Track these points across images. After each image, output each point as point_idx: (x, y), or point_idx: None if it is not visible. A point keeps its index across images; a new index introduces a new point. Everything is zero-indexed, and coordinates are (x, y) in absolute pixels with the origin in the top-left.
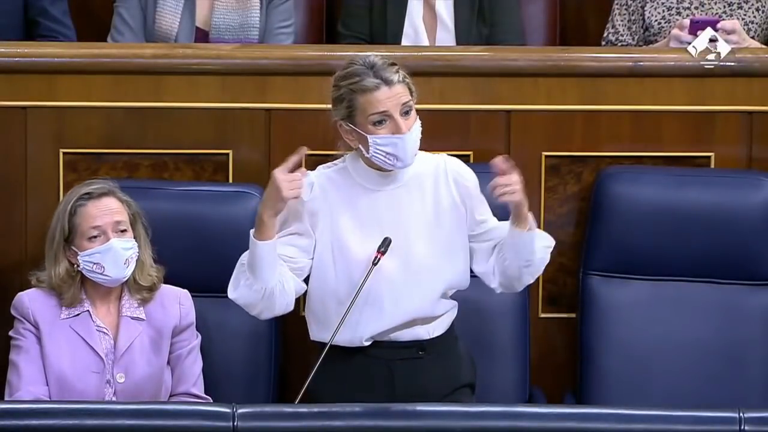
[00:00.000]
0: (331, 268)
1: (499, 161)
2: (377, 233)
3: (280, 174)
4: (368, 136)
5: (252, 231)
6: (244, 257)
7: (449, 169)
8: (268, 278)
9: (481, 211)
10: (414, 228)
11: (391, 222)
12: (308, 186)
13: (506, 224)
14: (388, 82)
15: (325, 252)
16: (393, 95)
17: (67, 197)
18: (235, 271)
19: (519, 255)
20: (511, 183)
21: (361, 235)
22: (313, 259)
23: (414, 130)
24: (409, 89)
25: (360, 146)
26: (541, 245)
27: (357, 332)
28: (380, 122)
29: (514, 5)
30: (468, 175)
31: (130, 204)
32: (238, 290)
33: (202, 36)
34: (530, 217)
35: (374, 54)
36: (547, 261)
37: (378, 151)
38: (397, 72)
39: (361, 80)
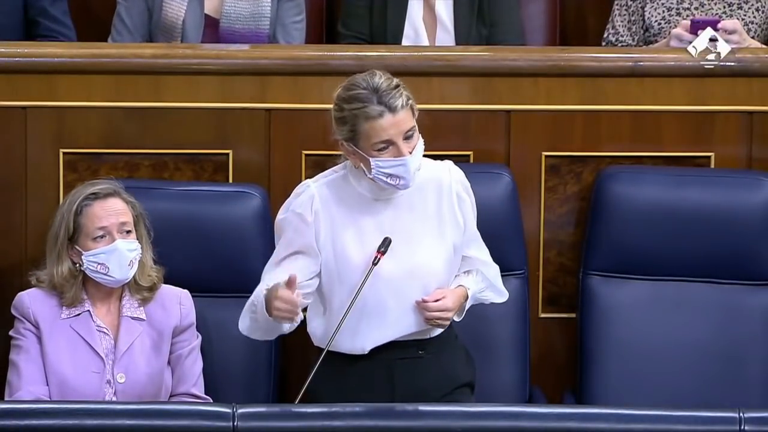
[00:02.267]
0: (335, 277)
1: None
2: (379, 240)
3: (283, 293)
4: (371, 159)
5: (265, 296)
6: (256, 301)
7: (454, 180)
8: (281, 331)
9: (470, 236)
10: (416, 235)
11: (392, 229)
12: (309, 200)
13: (476, 262)
14: (392, 110)
15: (327, 262)
16: (396, 122)
17: (72, 196)
18: (246, 312)
19: None
20: (444, 312)
21: (363, 242)
22: (320, 274)
23: (416, 152)
24: (412, 111)
25: (362, 165)
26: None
27: (356, 342)
28: (383, 148)
29: (514, 5)
30: (470, 191)
31: (134, 205)
32: (252, 332)
33: (212, 24)
34: (463, 308)
35: (378, 74)
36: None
37: (380, 173)
38: (401, 96)
39: (365, 107)
